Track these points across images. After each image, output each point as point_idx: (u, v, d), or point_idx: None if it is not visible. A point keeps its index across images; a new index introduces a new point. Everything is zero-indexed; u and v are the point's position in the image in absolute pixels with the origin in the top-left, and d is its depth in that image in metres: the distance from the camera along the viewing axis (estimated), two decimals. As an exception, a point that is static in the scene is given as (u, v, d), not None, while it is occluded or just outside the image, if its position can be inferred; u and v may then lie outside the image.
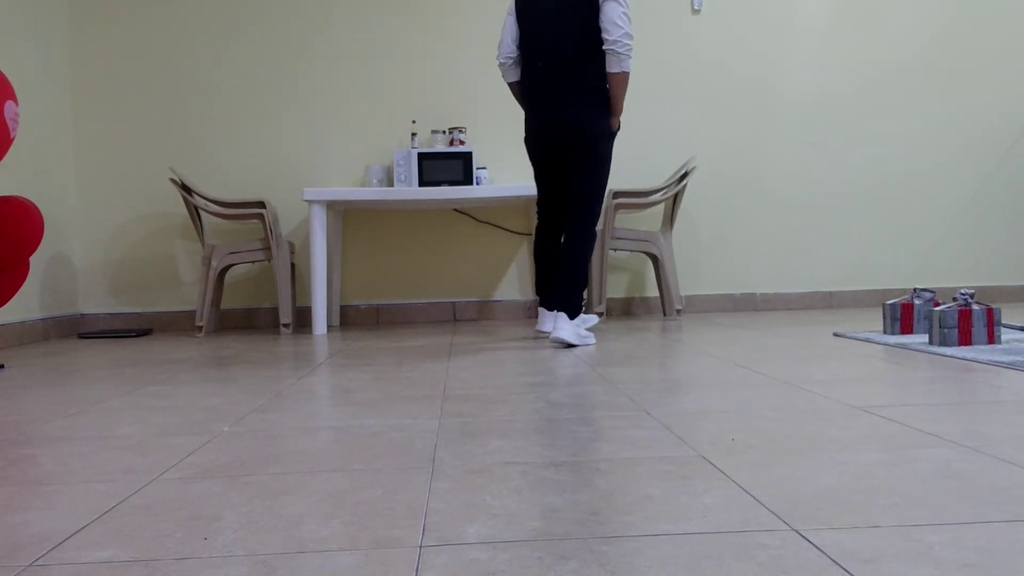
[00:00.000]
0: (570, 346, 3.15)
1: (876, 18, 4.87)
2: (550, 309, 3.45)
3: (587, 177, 3.27)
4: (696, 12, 4.79)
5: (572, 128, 3.23)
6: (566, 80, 3.22)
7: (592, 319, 3.45)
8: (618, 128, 3.32)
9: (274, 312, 4.65)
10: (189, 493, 1.26)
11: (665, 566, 0.91)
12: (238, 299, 4.65)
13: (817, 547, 0.95)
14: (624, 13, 3.11)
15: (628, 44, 3.11)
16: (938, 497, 1.12)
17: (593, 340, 3.23)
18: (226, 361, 3.01)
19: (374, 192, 4.10)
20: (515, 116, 4.72)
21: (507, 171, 4.71)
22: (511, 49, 3.36)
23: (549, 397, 2.02)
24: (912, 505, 1.09)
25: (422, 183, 4.29)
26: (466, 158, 4.30)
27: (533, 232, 4.43)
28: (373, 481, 1.30)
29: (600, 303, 4.29)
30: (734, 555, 0.93)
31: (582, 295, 3.25)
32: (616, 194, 4.30)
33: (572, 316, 3.20)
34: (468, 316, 4.72)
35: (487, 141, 4.71)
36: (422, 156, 4.30)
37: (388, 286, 4.71)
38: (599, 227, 4.39)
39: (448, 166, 4.29)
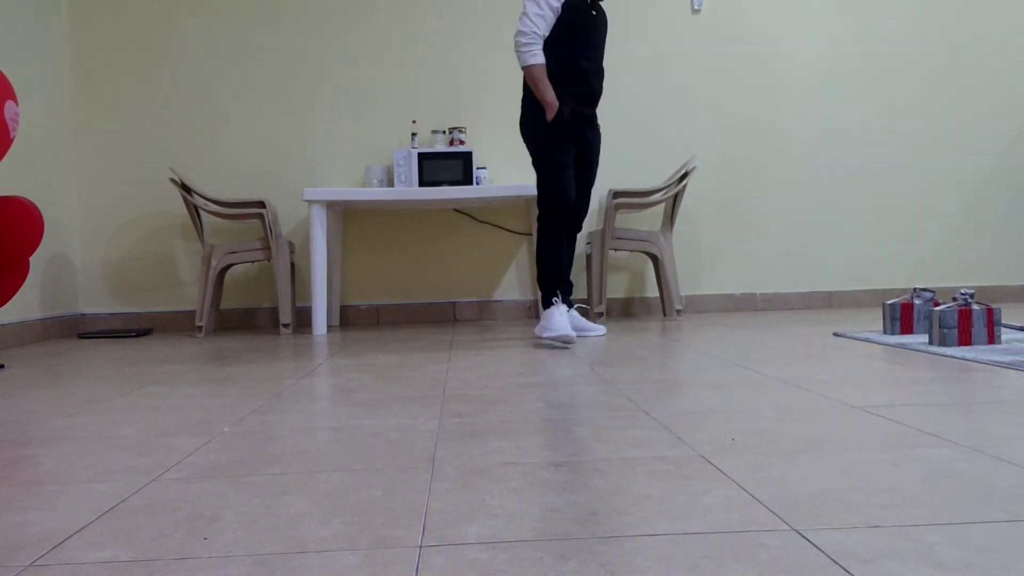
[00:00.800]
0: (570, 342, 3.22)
1: (875, 20, 4.87)
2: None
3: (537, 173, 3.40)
4: (696, 12, 4.79)
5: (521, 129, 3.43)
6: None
7: (553, 318, 3.22)
8: (556, 117, 3.23)
9: (274, 312, 4.65)
10: (189, 493, 1.26)
11: (665, 566, 0.91)
12: (238, 299, 4.65)
13: (817, 547, 0.95)
14: (524, 14, 3.20)
15: (519, 40, 3.22)
16: (938, 497, 1.12)
17: (553, 333, 3.15)
18: (226, 361, 3.01)
19: (374, 192, 4.10)
20: (515, 116, 4.71)
21: (507, 171, 4.70)
22: None
23: (549, 397, 2.02)
24: (912, 505, 1.09)
25: (422, 183, 4.29)
26: (466, 158, 4.30)
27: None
28: (373, 481, 1.30)
29: (600, 303, 4.29)
30: (734, 555, 0.93)
31: (547, 291, 3.32)
32: (616, 194, 4.30)
33: (544, 308, 3.33)
34: (468, 316, 4.72)
35: (487, 141, 4.71)
36: (422, 156, 4.30)
37: (388, 286, 4.71)
38: (599, 227, 4.39)
39: (448, 166, 4.29)
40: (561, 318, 3.20)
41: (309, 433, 1.68)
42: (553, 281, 3.32)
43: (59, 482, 1.35)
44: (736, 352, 2.81)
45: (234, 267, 4.61)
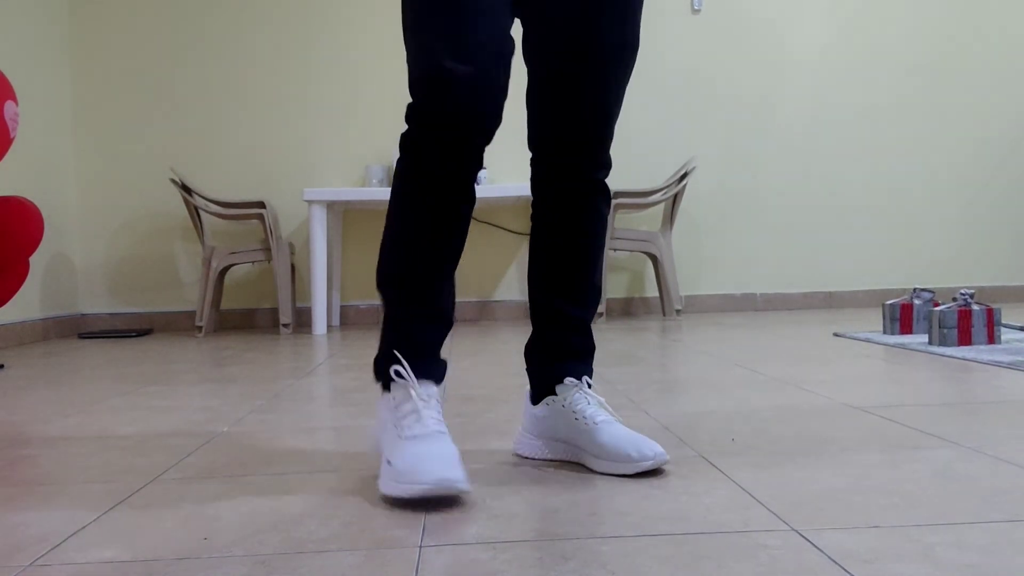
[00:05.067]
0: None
1: (877, 17, 4.87)
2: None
3: None
4: (696, 12, 4.79)
5: None
6: None
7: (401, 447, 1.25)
8: None
9: (274, 312, 4.65)
10: (189, 493, 1.26)
11: (665, 566, 0.91)
12: (238, 299, 4.65)
13: (818, 547, 0.95)
14: None
15: None
16: (938, 497, 1.12)
17: (405, 486, 1.23)
18: (226, 361, 3.01)
19: (374, 192, 4.10)
20: (515, 115, 4.71)
21: (507, 171, 4.70)
22: None
23: (549, 397, 2.02)
24: (912, 505, 1.09)
25: (422, 183, 4.28)
26: (466, 158, 4.29)
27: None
28: (373, 481, 1.30)
29: (600, 303, 4.29)
30: (734, 555, 0.93)
31: (383, 342, 1.37)
32: (616, 194, 4.30)
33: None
34: (468, 316, 4.72)
35: (487, 141, 4.70)
36: (422, 156, 4.29)
37: (388, 286, 4.70)
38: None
39: (448, 166, 4.29)
40: (410, 451, 1.18)
41: (309, 433, 1.68)
42: (390, 306, 1.31)
43: (59, 482, 1.35)
44: (736, 352, 2.81)
45: (234, 267, 4.61)
